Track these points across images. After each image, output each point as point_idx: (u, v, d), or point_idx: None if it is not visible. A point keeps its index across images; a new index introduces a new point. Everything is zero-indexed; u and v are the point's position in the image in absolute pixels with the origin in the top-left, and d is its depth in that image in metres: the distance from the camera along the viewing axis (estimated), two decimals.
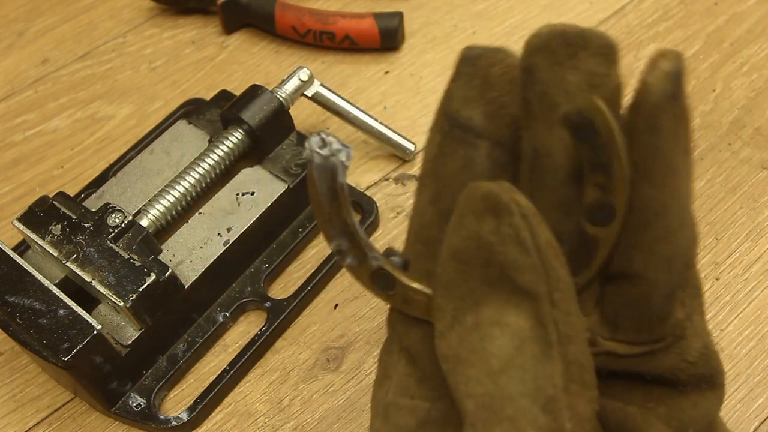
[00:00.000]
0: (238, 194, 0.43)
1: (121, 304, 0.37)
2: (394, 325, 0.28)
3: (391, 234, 0.45)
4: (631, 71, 0.51)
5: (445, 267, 0.24)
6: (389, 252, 0.27)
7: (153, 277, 0.37)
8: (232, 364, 0.40)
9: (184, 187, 0.42)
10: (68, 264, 0.38)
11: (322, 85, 0.47)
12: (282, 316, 0.42)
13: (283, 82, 0.46)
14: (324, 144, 0.23)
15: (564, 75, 0.24)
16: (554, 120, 0.24)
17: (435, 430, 0.25)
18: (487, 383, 0.22)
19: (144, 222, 0.41)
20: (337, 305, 0.43)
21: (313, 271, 0.44)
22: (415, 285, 0.26)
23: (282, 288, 0.44)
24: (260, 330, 0.41)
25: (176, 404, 0.40)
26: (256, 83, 0.45)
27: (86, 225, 0.39)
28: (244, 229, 0.42)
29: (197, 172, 0.43)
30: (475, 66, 0.27)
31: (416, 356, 0.27)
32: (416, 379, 0.26)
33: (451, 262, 0.24)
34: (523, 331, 0.22)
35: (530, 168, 0.25)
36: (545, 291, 0.22)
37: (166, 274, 0.38)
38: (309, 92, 0.47)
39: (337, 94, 0.47)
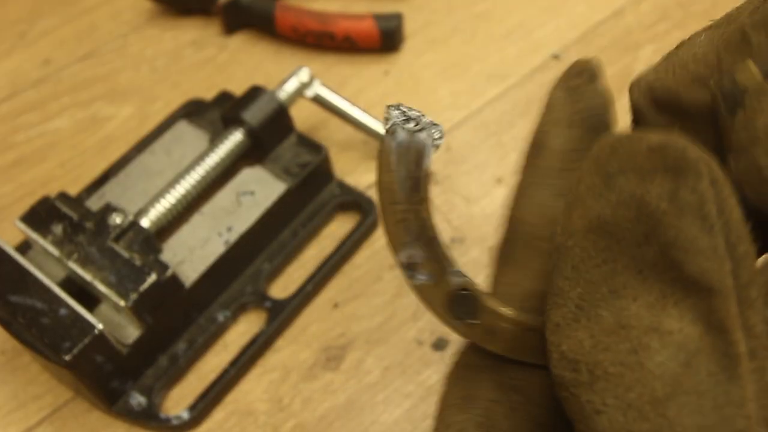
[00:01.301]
0: (238, 194, 0.43)
1: (122, 303, 0.37)
2: (466, 376, 0.22)
3: None
4: (630, 72, 0.51)
5: (577, 240, 0.18)
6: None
7: (154, 276, 0.38)
8: (232, 363, 0.40)
9: (184, 187, 0.43)
10: (70, 264, 0.38)
11: (322, 85, 0.47)
12: (282, 316, 0.42)
13: (284, 82, 0.46)
14: (408, 118, 0.19)
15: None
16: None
17: None
18: (651, 415, 0.16)
19: (145, 222, 0.41)
20: (336, 305, 0.43)
21: (313, 270, 0.44)
22: (508, 312, 0.20)
23: (282, 287, 0.44)
24: (260, 329, 0.41)
25: (177, 403, 0.40)
26: (257, 84, 0.45)
27: (87, 225, 0.39)
28: (245, 228, 0.42)
29: (198, 172, 0.43)
30: (602, 78, 0.23)
31: (512, 379, 0.21)
32: (507, 410, 0.21)
33: (589, 234, 0.18)
34: (692, 340, 0.17)
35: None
36: (730, 285, 0.17)
37: (167, 274, 0.38)
38: (309, 93, 0.47)
39: (337, 95, 0.47)
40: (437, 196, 0.47)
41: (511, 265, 0.22)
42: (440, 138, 0.19)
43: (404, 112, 0.18)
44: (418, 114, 0.19)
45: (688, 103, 0.19)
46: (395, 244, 0.20)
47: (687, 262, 0.17)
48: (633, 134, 0.17)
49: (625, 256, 0.17)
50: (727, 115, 0.18)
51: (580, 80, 0.22)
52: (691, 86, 0.19)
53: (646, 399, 0.16)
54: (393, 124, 0.18)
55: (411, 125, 0.18)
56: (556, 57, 0.53)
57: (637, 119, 0.22)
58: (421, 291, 0.20)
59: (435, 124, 0.19)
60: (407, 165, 0.19)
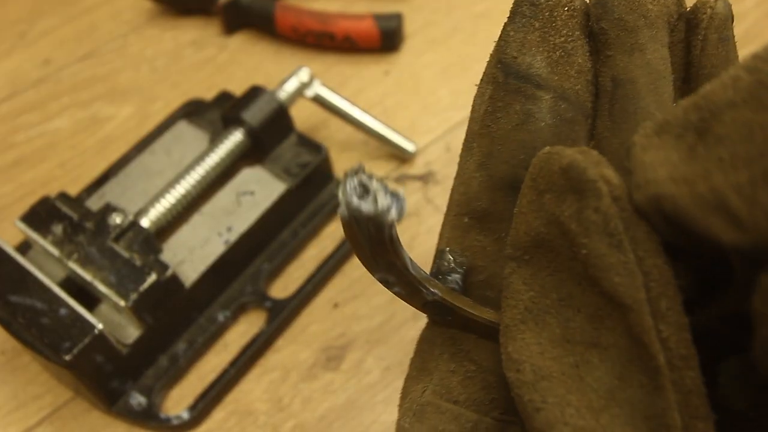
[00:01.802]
0: (238, 194, 0.43)
1: (123, 303, 0.37)
2: (425, 350, 0.24)
3: None
4: None
5: (525, 249, 0.19)
6: (445, 267, 0.23)
7: (154, 276, 0.38)
8: (232, 363, 0.40)
9: (184, 187, 0.43)
10: (70, 264, 0.38)
11: (322, 85, 0.47)
12: (282, 316, 0.42)
13: (284, 82, 0.46)
14: (365, 191, 0.18)
15: (640, 4, 0.22)
16: (634, 45, 0.21)
17: None
18: (587, 416, 0.17)
19: (145, 222, 0.41)
20: (337, 305, 0.43)
21: (313, 270, 0.44)
22: (483, 315, 0.22)
23: (282, 287, 0.44)
24: (260, 329, 0.41)
25: (177, 403, 0.40)
26: (257, 84, 0.45)
27: (87, 225, 0.39)
28: (245, 228, 0.42)
29: (198, 172, 0.43)
30: (536, 7, 0.22)
31: (468, 352, 0.22)
32: (462, 378, 0.22)
33: (536, 249, 0.19)
34: (624, 353, 0.18)
35: (610, 101, 0.21)
36: (643, 299, 0.17)
37: (167, 274, 0.38)
38: (309, 93, 0.47)
39: (337, 95, 0.47)
40: (437, 196, 0.47)
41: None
42: (401, 214, 0.19)
43: (364, 184, 0.18)
44: (377, 187, 0.18)
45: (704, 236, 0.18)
46: (369, 269, 0.21)
47: (602, 279, 0.17)
48: (552, 152, 0.18)
49: (565, 269, 0.18)
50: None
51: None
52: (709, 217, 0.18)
53: (584, 404, 0.17)
54: (347, 197, 0.18)
55: (367, 204, 0.18)
56: None
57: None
58: (400, 297, 0.22)
59: (396, 196, 0.18)
60: (368, 230, 0.19)
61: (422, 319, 0.41)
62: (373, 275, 0.22)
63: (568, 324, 0.18)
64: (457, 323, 0.22)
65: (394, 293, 0.22)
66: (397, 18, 0.53)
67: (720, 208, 0.16)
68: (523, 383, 0.18)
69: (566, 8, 0.22)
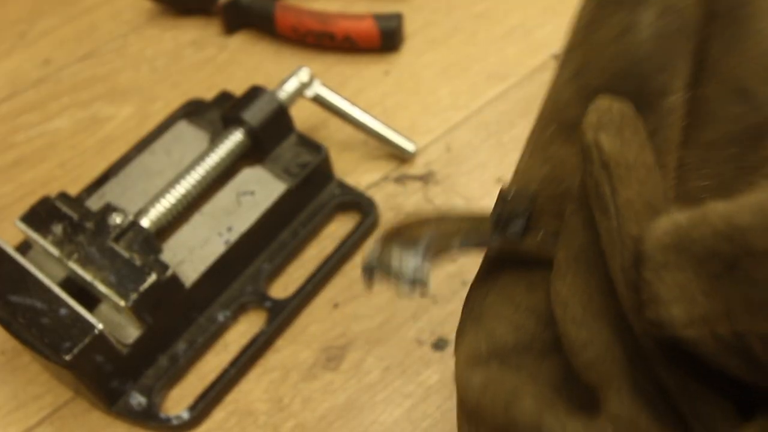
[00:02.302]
0: (238, 194, 0.43)
1: (123, 303, 0.37)
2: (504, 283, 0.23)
3: None
4: None
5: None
6: (505, 213, 0.22)
7: (154, 276, 0.38)
8: (232, 363, 0.40)
9: (184, 187, 0.43)
10: (70, 264, 0.38)
11: (322, 85, 0.47)
12: (282, 316, 0.42)
13: (284, 82, 0.46)
14: (388, 270, 0.20)
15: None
16: None
17: (533, 363, 0.21)
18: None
19: (145, 222, 0.41)
20: (336, 305, 0.43)
21: (313, 270, 0.44)
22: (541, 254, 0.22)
23: (282, 287, 0.44)
24: (260, 329, 0.41)
25: (177, 403, 0.40)
26: (257, 84, 0.45)
27: (87, 225, 0.39)
28: (245, 228, 0.42)
29: (198, 172, 0.43)
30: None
31: (571, 278, 0.21)
32: (527, 286, 0.22)
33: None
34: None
35: (726, 22, 0.21)
36: (618, 266, 0.18)
37: (167, 274, 0.38)
38: (309, 93, 0.47)
39: (337, 95, 0.47)
40: (437, 196, 0.47)
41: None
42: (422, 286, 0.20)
43: (389, 264, 0.20)
44: (399, 267, 0.19)
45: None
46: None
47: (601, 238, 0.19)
48: (594, 104, 0.19)
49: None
50: None
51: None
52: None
53: (627, 354, 0.18)
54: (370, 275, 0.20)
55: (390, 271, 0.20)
56: (556, 57, 0.53)
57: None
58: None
59: (422, 283, 0.20)
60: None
61: (422, 319, 0.42)
62: None
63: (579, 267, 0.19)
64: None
65: None
66: (397, 18, 0.53)
67: (743, 353, 0.15)
68: (568, 320, 0.19)
69: None
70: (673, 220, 0.17)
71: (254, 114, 0.44)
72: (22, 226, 0.40)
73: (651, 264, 0.17)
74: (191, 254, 0.41)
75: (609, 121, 0.18)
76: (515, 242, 0.22)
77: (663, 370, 0.18)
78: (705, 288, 0.16)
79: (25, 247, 0.42)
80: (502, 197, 0.23)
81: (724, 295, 0.15)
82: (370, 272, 0.20)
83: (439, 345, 0.41)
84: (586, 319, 0.19)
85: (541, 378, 0.20)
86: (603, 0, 0.21)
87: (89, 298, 0.39)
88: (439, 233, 0.22)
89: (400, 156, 0.49)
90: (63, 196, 0.41)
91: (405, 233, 0.21)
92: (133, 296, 0.37)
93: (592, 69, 0.21)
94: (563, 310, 0.19)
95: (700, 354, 0.16)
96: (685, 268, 0.16)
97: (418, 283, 0.20)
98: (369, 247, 0.45)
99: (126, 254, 0.38)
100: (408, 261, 0.20)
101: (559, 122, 0.22)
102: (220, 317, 0.42)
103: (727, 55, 0.21)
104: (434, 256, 0.21)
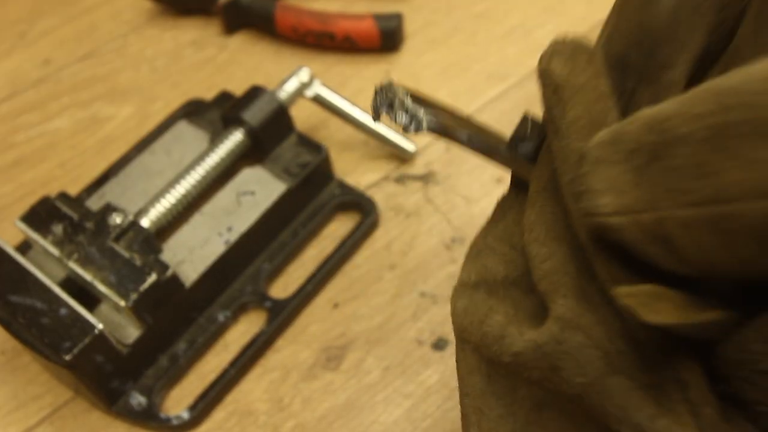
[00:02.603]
0: (238, 194, 0.44)
1: (123, 303, 0.37)
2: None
3: (391, 234, 0.46)
4: None
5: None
6: (522, 132, 0.24)
7: (154, 276, 0.38)
8: (232, 363, 0.40)
9: (184, 187, 0.43)
10: (70, 264, 0.38)
11: (322, 85, 0.47)
12: (282, 316, 0.42)
13: (284, 82, 0.46)
14: (390, 103, 0.22)
15: None
16: None
17: (518, 295, 0.22)
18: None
19: (145, 222, 0.41)
20: (336, 305, 0.43)
21: (313, 270, 0.44)
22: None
23: (282, 287, 0.44)
24: (260, 329, 0.41)
25: (177, 403, 0.40)
26: (257, 84, 0.45)
27: (87, 225, 0.39)
28: (245, 228, 0.42)
29: (198, 172, 0.43)
30: None
31: (540, 205, 0.23)
32: (530, 226, 0.23)
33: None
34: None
35: (761, 4, 0.21)
36: (566, 181, 0.20)
37: (167, 274, 0.38)
38: (309, 93, 0.47)
39: (337, 95, 0.47)
40: (437, 196, 0.47)
41: None
42: (418, 127, 0.22)
43: (389, 98, 0.21)
44: (406, 104, 0.21)
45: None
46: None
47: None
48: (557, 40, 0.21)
49: None
50: None
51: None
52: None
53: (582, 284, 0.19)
54: (377, 108, 0.21)
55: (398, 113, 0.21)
56: None
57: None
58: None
59: (415, 113, 0.21)
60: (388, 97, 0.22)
61: (422, 319, 0.42)
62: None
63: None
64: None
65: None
66: (397, 18, 0.53)
67: (664, 242, 0.16)
68: (532, 241, 0.20)
69: None
70: (613, 125, 0.19)
71: (254, 114, 0.44)
72: (22, 226, 0.40)
73: (588, 159, 0.18)
74: (191, 254, 0.41)
75: (561, 50, 0.20)
76: (520, 162, 0.23)
77: (596, 261, 0.19)
78: (633, 179, 0.17)
79: (25, 247, 0.42)
80: (523, 120, 0.24)
81: (648, 184, 0.17)
82: (379, 100, 0.22)
83: (439, 345, 0.41)
84: (548, 239, 0.21)
85: (521, 308, 0.22)
86: None
87: (89, 298, 0.39)
88: (451, 116, 0.23)
89: (400, 156, 0.49)
90: (63, 196, 0.41)
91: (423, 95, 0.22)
92: (133, 296, 0.37)
93: (616, 36, 0.22)
94: (529, 233, 0.21)
95: (626, 242, 0.18)
96: (618, 162, 0.18)
97: (415, 121, 0.22)
98: (369, 248, 0.45)
99: (126, 254, 0.38)
100: (414, 108, 0.21)
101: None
102: (220, 317, 0.42)
103: (754, 39, 0.21)
104: (439, 126, 0.22)
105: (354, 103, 0.48)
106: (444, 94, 0.52)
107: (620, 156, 0.17)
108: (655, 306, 0.17)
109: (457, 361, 0.24)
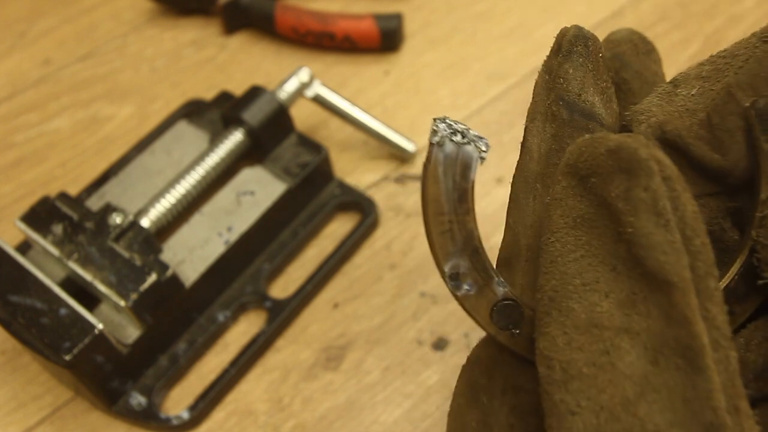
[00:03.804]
0: (238, 194, 0.43)
1: (123, 303, 0.37)
2: (498, 365, 0.22)
3: (391, 234, 0.46)
4: None
5: (558, 236, 0.19)
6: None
7: (154, 276, 0.38)
8: (232, 363, 0.40)
9: (184, 187, 0.43)
10: (70, 264, 0.38)
11: (322, 85, 0.47)
12: (282, 316, 0.42)
13: (284, 82, 0.46)
14: (454, 131, 0.19)
15: (647, 64, 0.24)
16: (648, 93, 0.23)
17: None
18: (623, 416, 0.17)
19: (145, 222, 0.41)
20: (337, 305, 0.43)
21: (313, 270, 0.44)
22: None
23: (282, 287, 0.44)
24: (260, 329, 0.41)
25: (177, 403, 0.40)
26: (257, 84, 0.45)
27: (87, 225, 0.39)
28: (245, 228, 0.42)
29: (198, 172, 0.43)
30: (587, 48, 0.22)
31: (531, 402, 0.21)
32: None
33: (572, 231, 0.19)
34: (657, 336, 0.17)
35: None
36: (688, 278, 0.17)
37: (167, 274, 0.38)
38: (309, 93, 0.47)
39: (337, 95, 0.47)
40: None
41: (508, 272, 0.23)
42: (486, 151, 0.19)
43: (450, 125, 0.19)
44: (464, 127, 0.19)
45: (695, 156, 0.21)
46: (440, 255, 0.21)
47: (646, 258, 0.17)
48: (595, 137, 0.18)
49: (602, 252, 0.18)
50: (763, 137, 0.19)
51: (556, 59, 0.23)
52: (697, 141, 0.20)
53: (618, 400, 0.17)
54: (441, 137, 0.19)
55: (458, 138, 0.19)
56: None
57: None
58: (466, 301, 0.21)
59: (480, 137, 0.19)
60: (454, 177, 0.20)
61: (422, 319, 0.42)
62: (441, 265, 0.21)
63: (594, 309, 0.18)
64: (523, 341, 0.21)
65: (460, 297, 0.21)
66: (397, 18, 0.53)
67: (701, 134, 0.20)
68: (553, 381, 0.18)
69: (604, 53, 0.22)
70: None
71: (254, 114, 0.44)
72: (22, 226, 0.40)
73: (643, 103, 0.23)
74: (191, 254, 0.41)
75: (648, 141, 0.19)
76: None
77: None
78: (663, 101, 0.23)
79: (25, 247, 0.42)
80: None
81: (673, 104, 0.22)
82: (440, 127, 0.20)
83: (439, 345, 0.41)
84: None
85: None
86: (564, 126, 0.22)
87: (89, 298, 0.39)
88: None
89: (400, 156, 0.49)
90: (63, 196, 0.41)
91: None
92: (133, 296, 0.37)
93: None
94: (546, 369, 0.19)
95: (681, 145, 0.21)
96: (655, 94, 0.22)
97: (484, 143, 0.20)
98: (369, 248, 0.45)
99: (126, 254, 0.38)
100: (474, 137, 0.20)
101: (526, 247, 0.25)
102: (220, 317, 0.42)
103: None
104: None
105: (354, 103, 0.48)
106: (444, 94, 0.52)
107: (656, 90, 0.24)
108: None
109: None
